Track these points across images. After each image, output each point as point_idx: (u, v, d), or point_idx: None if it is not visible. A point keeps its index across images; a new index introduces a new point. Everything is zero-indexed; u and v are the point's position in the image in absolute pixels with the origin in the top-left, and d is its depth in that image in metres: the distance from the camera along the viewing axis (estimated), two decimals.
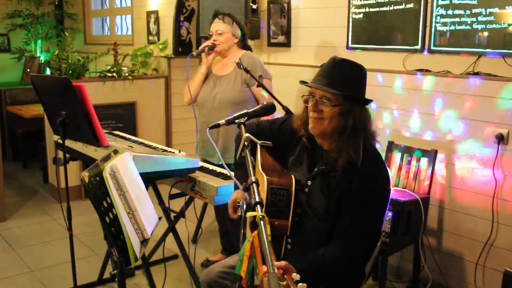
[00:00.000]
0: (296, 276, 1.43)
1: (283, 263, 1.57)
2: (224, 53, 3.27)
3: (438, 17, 3.08)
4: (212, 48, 3.21)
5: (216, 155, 3.23)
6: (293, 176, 1.90)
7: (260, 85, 3.08)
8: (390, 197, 2.89)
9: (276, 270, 1.30)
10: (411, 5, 3.23)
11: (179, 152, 2.67)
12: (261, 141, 1.79)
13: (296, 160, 2.02)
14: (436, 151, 3.10)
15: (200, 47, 3.26)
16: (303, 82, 1.93)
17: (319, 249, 1.83)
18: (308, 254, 1.82)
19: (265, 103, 2.06)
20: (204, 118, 3.25)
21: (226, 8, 3.47)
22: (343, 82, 1.82)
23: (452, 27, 3.02)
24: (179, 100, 3.47)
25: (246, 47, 3.34)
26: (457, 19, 2.99)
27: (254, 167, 1.67)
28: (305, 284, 1.39)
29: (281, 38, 4.26)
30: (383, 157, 3.31)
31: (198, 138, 3.29)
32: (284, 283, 1.43)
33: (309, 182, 1.92)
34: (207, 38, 3.32)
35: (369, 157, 1.84)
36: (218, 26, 3.21)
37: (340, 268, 1.83)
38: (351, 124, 1.81)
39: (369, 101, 1.88)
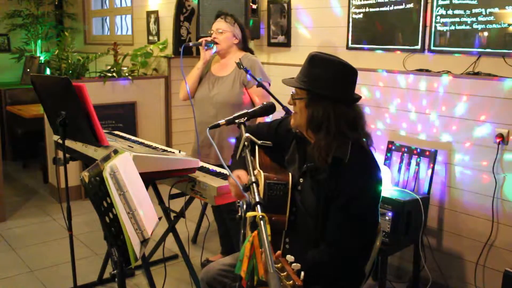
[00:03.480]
0: (290, 257, 1.43)
1: None
2: (223, 53, 3.26)
3: (438, 17, 3.08)
4: (210, 44, 3.22)
5: (211, 155, 3.23)
6: (290, 173, 1.93)
7: (260, 85, 3.07)
8: (389, 196, 2.91)
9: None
10: (411, 5, 3.23)
11: (179, 152, 2.67)
12: (261, 141, 1.80)
13: (291, 158, 2.04)
14: (436, 151, 3.10)
15: (199, 40, 3.29)
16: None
17: (309, 252, 1.82)
18: (302, 256, 1.81)
19: (265, 103, 2.06)
20: (202, 118, 3.23)
21: (226, 8, 3.49)
22: (308, 77, 1.83)
23: (452, 27, 3.02)
24: (179, 100, 3.46)
25: (248, 51, 3.33)
26: (457, 19, 2.99)
27: (254, 168, 1.67)
28: (299, 264, 1.40)
29: (281, 38, 4.26)
30: (383, 157, 3.34)
31: (197, 138, 3.28)
32: (278, 265, 1.43)
33: (301, 180, 1.93)
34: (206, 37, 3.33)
35: (357, 154, 1.83)
36: (219, 24, 3.23)
37: (334, 269, 1.81)
38: (315, 118, 1.80)
39: (342, 98, 1.82)
